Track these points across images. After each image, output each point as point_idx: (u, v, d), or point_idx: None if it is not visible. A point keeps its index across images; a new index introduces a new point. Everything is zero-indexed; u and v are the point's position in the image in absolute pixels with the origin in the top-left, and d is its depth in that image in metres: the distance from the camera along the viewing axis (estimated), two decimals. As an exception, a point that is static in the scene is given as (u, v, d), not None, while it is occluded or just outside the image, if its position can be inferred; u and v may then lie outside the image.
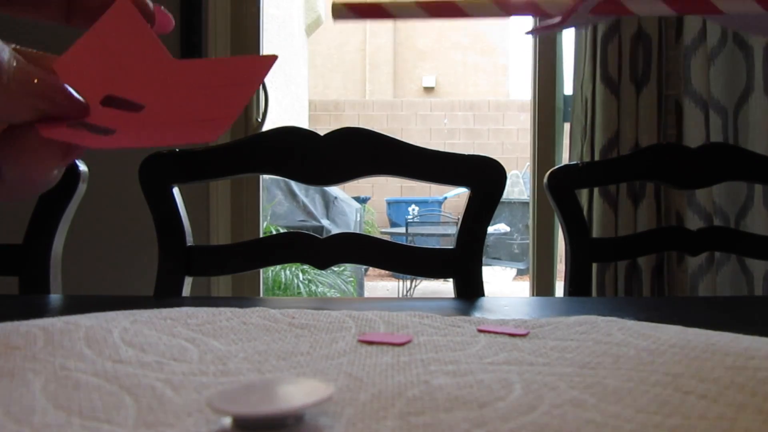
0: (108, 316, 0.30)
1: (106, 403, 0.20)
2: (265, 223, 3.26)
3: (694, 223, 1.69)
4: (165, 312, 0.31)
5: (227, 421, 0.18)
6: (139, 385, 0.22)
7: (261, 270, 2.04)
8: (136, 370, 0.23)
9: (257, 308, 0.33)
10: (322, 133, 0.90)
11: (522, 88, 8.86)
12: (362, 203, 5.25)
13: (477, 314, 0.48)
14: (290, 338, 0.28)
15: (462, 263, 0.87)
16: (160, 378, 0.22)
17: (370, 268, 5.00)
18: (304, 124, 6.39)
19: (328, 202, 4.43)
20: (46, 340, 0.25)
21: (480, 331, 0.30)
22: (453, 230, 4.78)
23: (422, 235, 5.25)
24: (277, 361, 0.25)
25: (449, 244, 0.95)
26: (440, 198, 6.10)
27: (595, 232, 1.72)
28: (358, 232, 1.87)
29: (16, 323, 0.27)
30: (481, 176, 0.87)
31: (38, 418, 0.19)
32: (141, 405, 0.20)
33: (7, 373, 0.22)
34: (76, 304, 0.62)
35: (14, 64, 0.26)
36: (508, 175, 1.29)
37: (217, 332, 0.29)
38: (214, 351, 0.26)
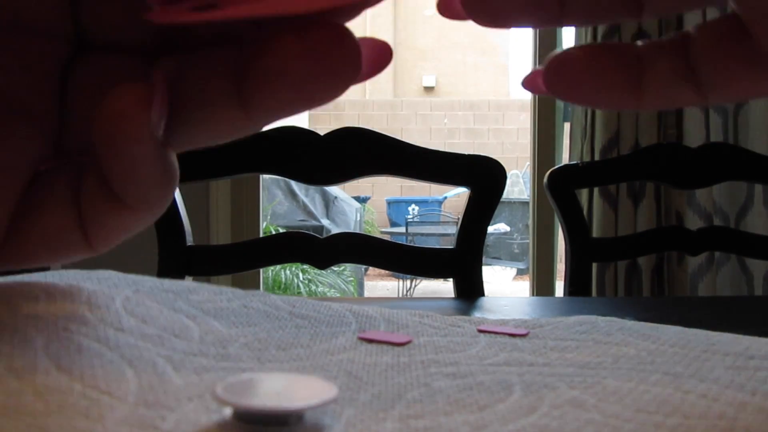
0: (111, 283, 0.29)
1: (107, 372, 0.20)
2: (264, 223, 3.26)
3: (694, 223, 1.69)
4: (167, 284, 0.31)
5: (228, 411, 0.18)
6: (140, 357, 0.21)
7: (261, 270, 2.04)
8: (138, 342, 0.23)
9: (258, 292, 0.32)
10: (322, 132, 0.90)
11: (522, 88, 8.84)
12: (362, 203, 5.25)
13: (477, 314, 0.48)
14: (291, 328, 0.28)
15: (462, 263, 0.87)
16: (162, 354, 0.22)
17: (370, 268, 5.00)
18: (304, 124, 6.38)
19: (328, 202, 4.43)
20: (48, 302, 0.24)
21: (480, 331, 0.30)
22: (453, 230, 4.78)
23: (422, 234, 5.25)
24: (277, 352, 0.25)
25: (449, 244, 0.95)
26: (440, 198, 6.10)
27: (595, 232, 1.72)
28: (358, 231, 1.87)
29: (17, 282, 0.26)
30: (481, 176, 0.87)
31: (40, 379, 0.19)
32: (141, 381, 0.20)
33: (8, 327, 0.22)
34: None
35: None
36: (508, 175, 1.29)
37: (218, 312, 0.28)
38: (215, 332, 0.26)
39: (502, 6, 0.19)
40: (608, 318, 0.32)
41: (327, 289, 3.69)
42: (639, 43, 0.21)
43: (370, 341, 0.27)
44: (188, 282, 0.32)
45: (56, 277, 0.30)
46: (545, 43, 1.84)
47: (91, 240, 0.21)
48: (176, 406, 0.19)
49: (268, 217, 3.90)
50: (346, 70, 0.18)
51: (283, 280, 3.52)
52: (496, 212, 0.91)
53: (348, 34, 0.18)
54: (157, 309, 0.26)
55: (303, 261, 0.90)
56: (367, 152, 0.89)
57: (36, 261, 0.22)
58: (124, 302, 0.26)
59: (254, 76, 0.18)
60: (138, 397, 0.19)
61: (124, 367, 0.21)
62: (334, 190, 4.41)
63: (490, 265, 5.58)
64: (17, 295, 0.25)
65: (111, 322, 0.24)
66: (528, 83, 0.21)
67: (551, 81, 0.20)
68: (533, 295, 1.91)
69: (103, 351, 0.21)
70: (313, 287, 3.64)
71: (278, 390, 0.19)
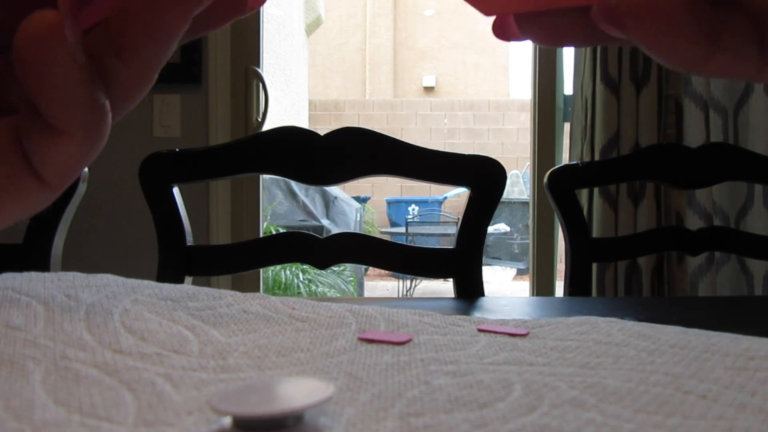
0: (109, 292, 0.29)
1: (105, 399, 0.20)
2: (265, 224, 3.26)
3: (694, 223, 1.69)
4: (166, 290, 0.31)
5: (227, 421, 0.18)
6: (139, 380, 0.21)
7: (261, 270, 2.04)
8: (137, 363, 0.23)
9: (258, 294, 0.32)
10: (322, 133, 0.90)
11: (522, 88, 8.85)
12: (362, 203, 5.25)
13: (477, 314, 0.48)
14: (290, 332, 0.28)
15: (462, 263, 0.87)
16: (160, 373, 0.22)
17: (370, 268, 5.00)
18: (304, 124, 6.38)
19: (328, 202, 4.43)
20: (46, 320, 0.24)
21: (480, 330, 0.30)
22: (453, 230, 4.78)
23: (422, 234, 5.25)
24: (278, 358, 0.25)
25: (449, 244, 0.95)
26: (440, 198, 6.10)
27: (595, 232, 1.72)
28: (358, 232, 1.87)
29: (16, 292, 0.26)
30: (481, 176, 0.87)
31: (38, 415, 0.19)
32: (141, 402, 0.20)
33: (7, 360, 0.22)
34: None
35: None
36: (508, 175, 1.29)
37: (218, 320, 0.28)
38: (214, 343, 0.26)
39: (551, 30, 0.22)
40: (608, 318, 0.31)
41: (327, 289, 3.69)
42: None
43: (371, 341, 0.27)
44: (188, 287, 0.32)
45: (56, 281, 0.29)
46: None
47: (43, 176, 0.22)
48: (176, 422, 0.19)
49: (268, 217, 3.90)
50: None
51: (283, 280, 3.52)
52: (496, 212, 0.91)
53: None
54: (156, 322, 0.26)
55: (303, 261, 0.90)
56: (367, 152, 0.89)
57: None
58: (123, 316, 0.26)
59: (116, 21, 0.21)
60: (137, 418, 0.19)
61: (123, 391, 0.21)
62: (334, 190, 4.41)
63: (490, 265, 5.58)
64: (16, 312, 0.24)
65: (109, 343, 0.24)
66: (601, 17, 0.21)
67: (633, 19, 0.20)
68: (533, 295, 1.91)
69: (101, 377, 0.21)
70: (313, 287, 3.64)
71: (274, 394, 0.19)
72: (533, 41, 0.22)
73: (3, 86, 0.23)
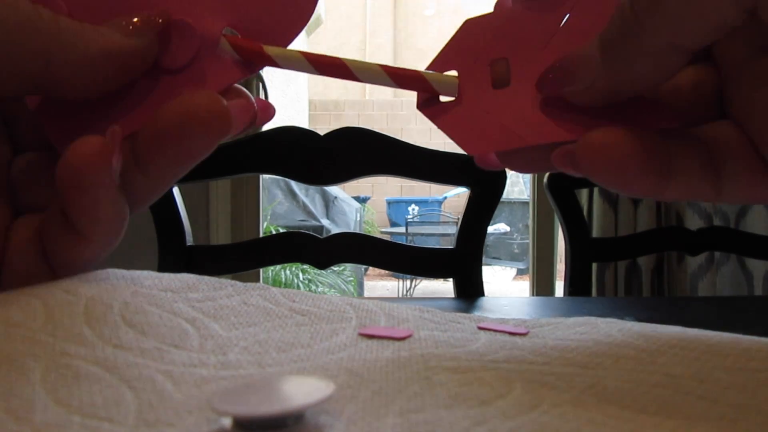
0: (109, 285, 0.29)
1: (106, 398, 0.20)
2: (265, 224, 3.26)
3: (694, 223, 1.69)
4: (166, 281, 0.31)
5: (227, 420, 0.18)
6: (139, 377, 0.21)
7: (261, 270, 2.04)
8: (137, 359, 0.23)
9: (258, 285, 0.32)
10: (322, 132, 0.90)
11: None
12: (362, 203, 5.25)
13: (477, 314, 0.48)
14: (291, 326, 0.28)
15: (462, 263, 0.87)
16: (161, 369, 0.22)
17: (370, 268, 5.00)
18: (304, 124, 6.38)
19: (328, 202, 4.43)
20: (46, 316, 0.24)
21: (480, 328, 0.30)
22: (453, 230, 4.78)
23: (422, 234, 5.25)
24: (278, 354, 0.25)
25: (449, 244, 0.95)
26: (440, 198, 6.10)
27: (595, 232, 1.72)
28: (358, 232, 1.87)
29: (15, 292, 0.26)
30: (481, 176, 0.87)
31: (39, 416, 0.19)
32: (141, 401, 0.20)
33: (6, 358, 0.22)
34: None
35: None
36: (508, 175, 1.30)
37: (218, 312, 0.28)
38: (215, 337, 0.26)
39: (527, 161, 0.25)
40: (608, 319, 0.31)
41: (327, 289, 3.69)
42: (666, 133, 0.22)
43: (371, 337, 0.27)
44: (188, 276, 0.32)
45: (53, 280, 0.29)
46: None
47: (57, 272, 0.25)
48: (177, 421, 0.19)
49: (268, 217, 3.90)
50: (216, 127, 0.23)
51: (283, 280, 3.52)
52: (496, 212, 0.91)
53: (216, 100, 0.22)
54: (156, 315, 0.26)
55: (303, 261, 0.90)
56: (367, 152, 0.89)
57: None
58: (122, 309, 0.26)
59: (145, 141, 0.23)
60: (138, 418, 0.19)
61: (124, 389, 0.21)
62: (334, 190, 4.41)
63: (490, 265, 5.58)
64: (15, 309, 0.24)
65: (109, 337, 0.24)
66: (559, 161, 0.23)
67: (588, 162, 0.22)
68: (533, 295, 1.91)
69: (101, 375, 0.21)
70: (313, 287, 3.64)
71: (275, 393, 0.19)
72: (511, 170, 0.26)
73: (34, 186, 0.25)
